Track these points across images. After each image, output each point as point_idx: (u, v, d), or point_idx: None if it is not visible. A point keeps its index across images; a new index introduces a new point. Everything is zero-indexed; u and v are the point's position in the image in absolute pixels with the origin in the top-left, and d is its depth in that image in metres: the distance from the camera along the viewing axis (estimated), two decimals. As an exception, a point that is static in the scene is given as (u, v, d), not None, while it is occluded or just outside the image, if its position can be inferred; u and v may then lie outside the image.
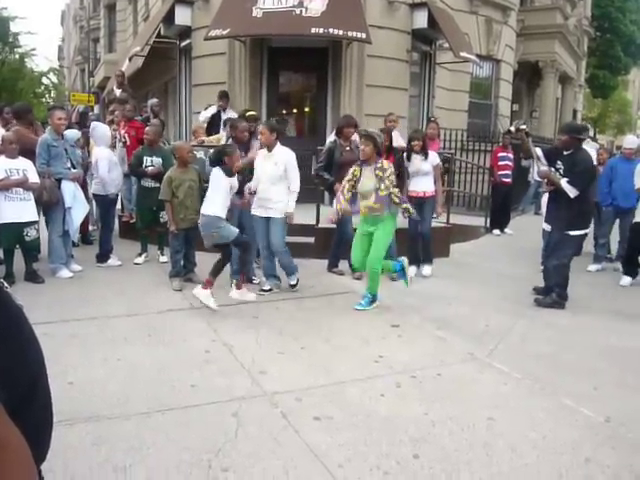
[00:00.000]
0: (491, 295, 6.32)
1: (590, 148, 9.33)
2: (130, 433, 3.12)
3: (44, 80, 34.60)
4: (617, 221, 7.88)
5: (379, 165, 5.51)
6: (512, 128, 6.69)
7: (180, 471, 2.78)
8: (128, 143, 8.37)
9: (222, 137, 8.16)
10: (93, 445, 2.97)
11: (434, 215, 7.29)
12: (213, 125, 9.29)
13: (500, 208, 10.76)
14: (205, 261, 6.61)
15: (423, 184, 6.95)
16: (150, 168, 7.03)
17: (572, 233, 5.85)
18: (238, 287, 5.52)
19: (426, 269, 7.08)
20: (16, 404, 1.00)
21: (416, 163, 6.89)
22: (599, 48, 26.90)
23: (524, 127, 6.42)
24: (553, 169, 5.96)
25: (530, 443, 3.18)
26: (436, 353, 4.54)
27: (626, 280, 7.02)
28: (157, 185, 6.99)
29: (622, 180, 7.47)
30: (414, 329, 5.14)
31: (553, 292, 6.00)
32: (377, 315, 5.48)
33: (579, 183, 5.73)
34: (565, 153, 5.92)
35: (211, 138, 8.47)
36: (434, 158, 7.09)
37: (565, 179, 5.77)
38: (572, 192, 5.72)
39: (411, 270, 6.97)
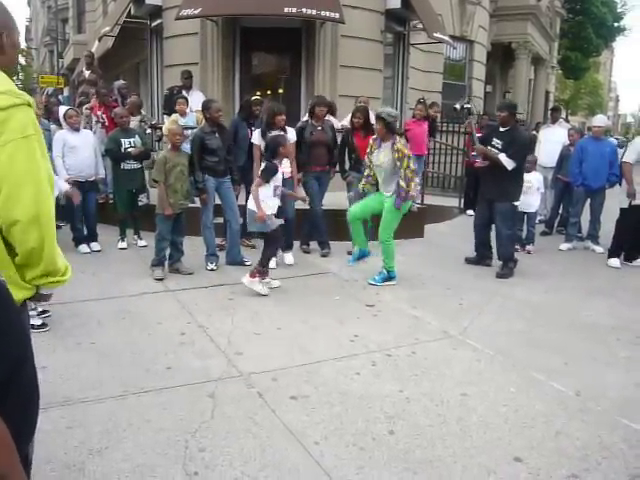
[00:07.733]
0: (465, 274, 6.39)
1: (562, 129, 9.46)
2: (105, 416, 3.10)
3: (11, 62, 33.72)
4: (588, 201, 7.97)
5: (396, 147, 5.56)
6: (457, 106, 6.78)
7: (157, 452, 2.78)
8: (107, 124, 8.20)
9: (177, 118, 7.96)
10: (68, 429, 2.95)
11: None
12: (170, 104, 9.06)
13: (474, 189, 10.81)
14: (193, 246, 6.43)
15: None
16: (132, 149, 6.79)
17: (516, 203, 6.42)
18: (252, 275, 5.35)
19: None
20: (3, 379, 0.99)
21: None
22: (571, 30, 27.04)
23: (468, 106, 6.79)
24: (489, 147, 6.29)
25: (502, 417, 3.24)
26: (411, 332, 4.58)
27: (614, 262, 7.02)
28: (140, 166, 6.94)
29: (592, 160, 7.54)
30: (389, 308, 5.18)
31: (508, 262, 6.37)
32: (352, 295, 5.51)
33: (517, 157, 6.16)
34: (502, 130, 6.30)
35: (167, 124, 7.77)
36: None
37: (503, 154, 6.14)
38: (510, 165, 6.11)
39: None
